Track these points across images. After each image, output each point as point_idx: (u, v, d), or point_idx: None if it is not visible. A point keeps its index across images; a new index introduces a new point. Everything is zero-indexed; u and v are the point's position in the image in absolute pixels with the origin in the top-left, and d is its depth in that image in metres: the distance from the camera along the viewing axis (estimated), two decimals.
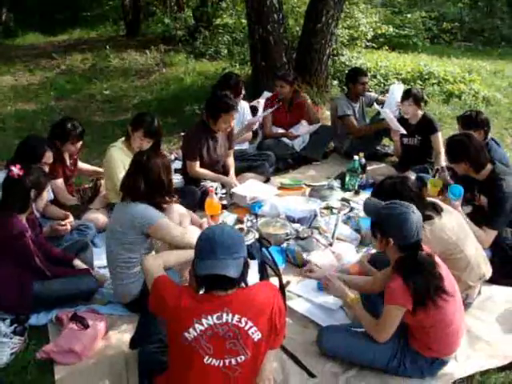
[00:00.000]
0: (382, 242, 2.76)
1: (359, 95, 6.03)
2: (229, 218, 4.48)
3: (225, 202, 4.75)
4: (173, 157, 6.03)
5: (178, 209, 3.83)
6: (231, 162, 5.20)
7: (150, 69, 10.41)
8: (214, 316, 2.22)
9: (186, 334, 2.23)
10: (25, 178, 3.34)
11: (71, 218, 4.04)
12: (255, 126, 5.74)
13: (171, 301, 2.27)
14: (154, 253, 3.41)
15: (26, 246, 3.28)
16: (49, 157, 4.00)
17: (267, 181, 5.39)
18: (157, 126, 4.38)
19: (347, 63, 8.60)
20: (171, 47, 11.48)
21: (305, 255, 3.90)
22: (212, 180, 4.93)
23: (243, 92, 5.71)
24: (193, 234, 3.57)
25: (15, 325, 3.17)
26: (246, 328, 2.24)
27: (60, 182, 4.43)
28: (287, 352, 3.04)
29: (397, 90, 5.74)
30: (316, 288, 3.65)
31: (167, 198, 3.33)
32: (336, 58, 8.58)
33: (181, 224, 3.74)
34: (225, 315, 2.23)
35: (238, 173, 5.21)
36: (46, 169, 3.96)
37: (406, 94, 5.26)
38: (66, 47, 12.09)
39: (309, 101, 6.22)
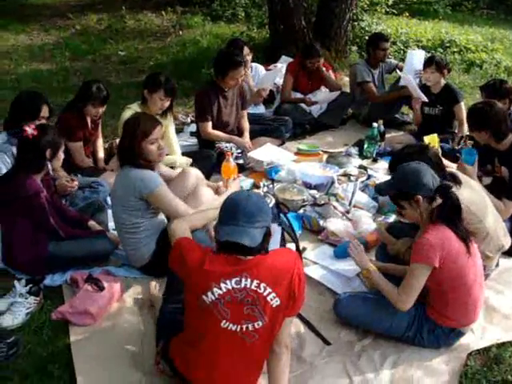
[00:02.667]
0: (412, 205, 2.71)
1: (379, 61, 5.88)
2: (245, 182, 4.41)
3: (241, 162, 4.69)
4: (189, 119, 6.01)
5: (193, 172, 3.76)
6: (245, 123, 5.12)
7: (166, 31, 10.23)
8: (233, 280, 2.18)
9: (204, 297, 2.19)
10: (40, 137, 3.28)
11: (76, 182, 3.96)
12: (266, 93, 5.60)
13: (191, 263, 2.22)
14: (163, 217, 3.36)
15: (41, 206, 3.26)
16: (45, 111, 3.87)
17: (282, 144, 5.32)
18: (174, 84, 4.32)
19: (367, 29, 8.40)
20: (188, 9, 11.26)
21: (321, 222, 3.85)
22: (225, 141, 4.87)
23: (249, 56, 5.56)
24: (206, 197, 3.58)
25: (30, 285, 3.15)
26: (265, 294, 2.20)
27: (79, 145, 4.35)
28: (303, 319, 3.01)
29: (416, 56, 5.57)
30: (332, 255, 3.60)
31: (146, 164, 3.18)
32: (356, 23, 8.38)
33: (196, 187, 3.68)
34: (243, 280, 2.18)
35: (253, 136, 5.13)
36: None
37: (429, 61, 5.10)
38: (82, 7, 11.88)
39: (330, 71, 6.06)
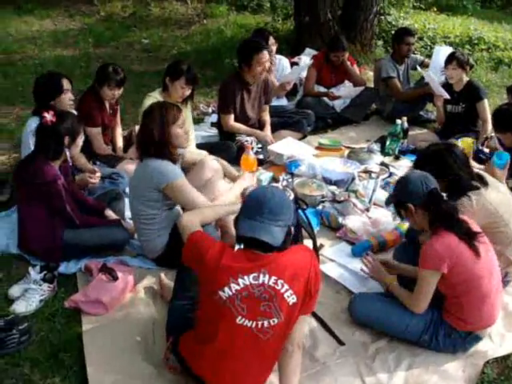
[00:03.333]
0: (408, 214, 2.75)
1: (404, 56, 5.77)
2: (264, 175, 4.37)
3: (261, 157, 4.66)
4: (210, 110, 5.99)
5: (210, 164, 3.72)
6: (267, 117, 5.09)
7: (190, 19, 10.19)
8: (251, 276, 2.15)
9: (221, 293, 2.16)
10: (59, 124, 3.27)
11: (98, 174, 3.97)
12: (289, 86, 5.52)
13: (210, 257, 2.19)
14: (179, 209, 3.33)
15: (57, 192, 3.26)
16: (67, 83, 3.90)
17: (303, 138, 5.27)
18: (195, 72, 4.31)
19: (394, 23, 8.26)
20: None
21: (340, 219, 3.79)
22: (246, 134, 4.85)
23: (274, 47, 5.49)
24: (220, 191, 3.57)
25: (45, 272, 3.15)
26: (282, 291, 2.16)
27: (97, 130, 4.34)
28: (317, 317, 2.96)
29: (442, 52, 5.46)
30: (350, 253, 3.55)
31: (172, 152, 3.17)
32: (382, 17, 8.23)
33: (211, 179, 3.65)
34: (261, 276, 2.15)
35: (274, 129, 5.10)
36: (71, 99, 3.92)
37: (450, 58, 4.98)
38: None
39: (354, 65, 5.98)
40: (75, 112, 4.08)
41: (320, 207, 3.95)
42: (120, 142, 4.66)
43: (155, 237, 3.26)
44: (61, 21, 9.78)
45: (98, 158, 4.37)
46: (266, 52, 4.64)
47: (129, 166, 4.29)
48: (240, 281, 2.14)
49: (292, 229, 2.23)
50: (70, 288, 3.21)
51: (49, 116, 3.25)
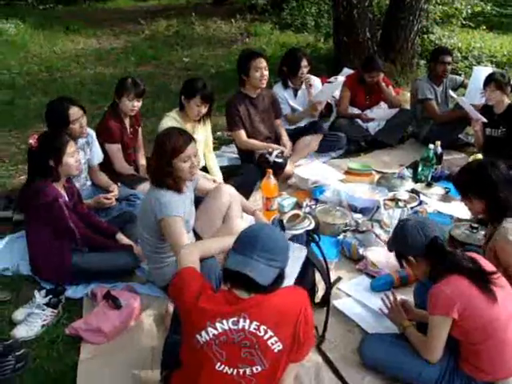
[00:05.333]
0: (409, 265, 2.60)
1: (441, 77, 5.51)
2: (287, 201, 4.21)
3: (281, 160, 4.51)
4: None
5: (228, 190, 3.57)
6: (282, 129, 5.00)
7: (233, 38, 10.21)
8: (230, 320, 1.99)
9: (198, 337, 2.01)
10: (40, 148, 3.24)
11: (116, 192, 3.92)
12: (321, 106, 5.36)
13: (188, 297, 2.06)
14: (191, 237, 3.22)
15: (59, 210, 3.19)
16: (75, 113, 3.72)
17: (323, 139, 5.22)
18: (210, 90, 4.23)
19: (437, 42, 7.97)
20: (258, 17, 11.19)
21: (361, 250, 3.59)
22: (262, 149, 4.67)
23: (306, 69, 5.32)
24: (238, 227, 3.38)
25: (50, 296, 3.08)
26: (266, 337, 2.00)
27: (116, 147, 4.27)
28: (325, 357, 2.77)
29: (483, 73, 5.17)
30: (369, 287, 3.33)
31: (176, 183, 3.02)
32: (425, 35, 7.98)
33: (230, 207, 3.52)
34: (241, 321, 1.99)
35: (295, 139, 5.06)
36: (82, 127, 3.77)
37: (488, 79, 4.72)
38: (154, 13, 12.06)
39: (390, 87, 5.77)
40: (92, 132, 4.07)
41: (341, 236, 3.75)
42: (143, 162, 4.58)
43: (163, 265, 3.16)
44: (105, 39, 9.96)
45: (120, 179, 4.29)
46: (261, 58, 4.58)
47: (147, 188, 4.20)
48: (218, 325, 1.99)
49: (285, 273, 2.06)
50: (75, 313, 3.14)
51: (32, 141, 3.25)
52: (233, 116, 4.66)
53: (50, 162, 3.23)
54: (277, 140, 4.91)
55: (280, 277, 2.05)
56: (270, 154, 4.47)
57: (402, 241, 2.56)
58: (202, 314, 2.01)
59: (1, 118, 6.12)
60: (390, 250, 2.72)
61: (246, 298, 2.01)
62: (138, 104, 4.28)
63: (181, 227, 2.93)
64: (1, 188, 4.60)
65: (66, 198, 3.31)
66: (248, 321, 1.98)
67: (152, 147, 4.91)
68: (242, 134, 4.66)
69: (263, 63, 4.58)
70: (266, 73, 4.64)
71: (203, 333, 2.00)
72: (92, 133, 4.06)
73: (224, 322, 1.99)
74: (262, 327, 1.99)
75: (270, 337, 2.00)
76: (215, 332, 1.99)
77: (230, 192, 3.58)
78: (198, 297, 2.03)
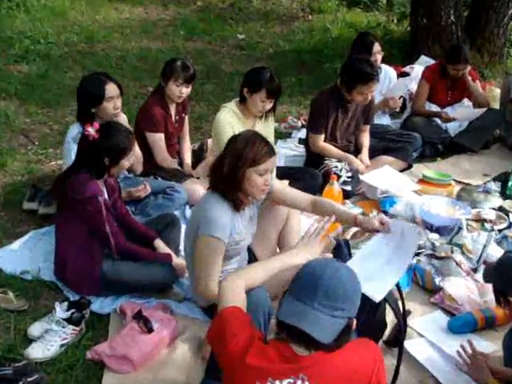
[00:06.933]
0: (509, 307, 2.41)
1: None
2: (351, 211, 3.94)
3: (348, 188, 4.28)
4: (300, 123, 5.68)
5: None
6: (365, 139, 4.73)
7: (293, 14, 9.91)
8: (285, 382, 1.75)
9: None
10: (100, 142, 3.10)
11: (148, 188, 3.86)
12: (395, 104, 5.11)
13: (233, 351, 1.83)
14: (243, 258, 3.03)
15: (96, 211, 3.10)
16: (111, 90, 3.66)
17: (408, 168, 4.82)
18: (278, 82, 4.02)
19: None
20: None
21: (438, 280, 3.33)
22: (337, 159, 4.50)
23: (379, 55, 5.07)
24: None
25: (73, 310, 2.93)
26: None
27: (158, 137, 4.17)
28: None
29: None
30: (446, 327, 3.06)
31: (240, 196, 2.83)
32: None
33: (287, 220, 3.32)
34: (299, 383, 1.75)
35: (372, 154, 4.72)
36: (116, 108, 3.69)
37: None
38: None
39: (477, 81, 5.42)
40: (125, 117, 3.96)
41: (414, 261, 3.47)
42: (188, 157, 4.49)
43: None
44: (153, 9, 9.77)
45: (160, 173, 4.21)
46: (372, 83, 4.25)
47: (194, 187, 4.11)
48: None
49: (354, 322, 1.81)
50: (100, 332, 3.00)
51: (92, 130, 3.09)
52: (319, 116, 4.47)
53: (105, 159, 3.13)
54: (356, 149, 4.70)
55: (347, 329, 1.80)
56: (339, 172, 4.29)
57: (505, 277, 2.37)
58: (251, 373, 1.78)
59: (32, 93, 6.04)
60: (487, 282, 2.53)
61: (304, 356, 1.77)
62: (186, 90, 4.17)
63: (215, 252, 2.77)
64: (28, 175, 4.51)
65: (106, 196, 3.21)
66: (308, 383, 1.75)
67: (198, 136, 4.86)
68: (321, 138, 4.49)
69: (372, 88, 4.31)
70: (373, 94, 4.43)
71: None
72: (124, 118, 3.96)
73: (277, 382, 1.76)
74: None
75: None
76: None
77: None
78: (246, 352, 1.81)
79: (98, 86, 3.63)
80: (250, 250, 3.21)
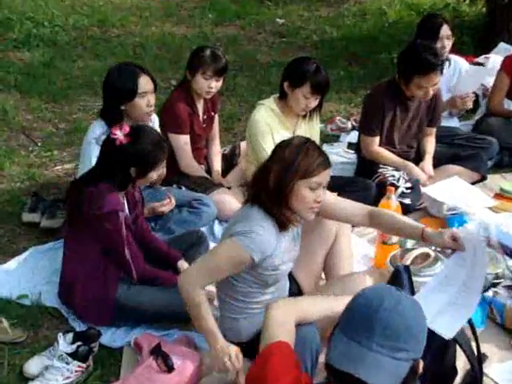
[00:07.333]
0: None
1: None
2: None
3: (407, 202, 4.25)
4: (350, 124, 5.71)
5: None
6: (430, 145, 4.73)
7: None
8: None
9: None
10: (128, 149, 3.12)
11: (173, 201, 3.89)
12: (467, 103, 5.07)
13: None
14: (283, 286, 3.01)
15: (115, 230, 3.14)
16: (145, 84, 3.70)
17: (481, 181, 4.78)
18: (325, 75, 4.05)
19: None
20: None
21: None
22: (394, 166, 4.49)
23: (448, 41, 5.06)
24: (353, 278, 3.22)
25: (78, 343, 2.95)
26: None
27: (183, 139, 4.22)
28: None
29: None
30: None
31: (287, 213, 2.81)
32: None
33: (336, 239, 3.30)
34: None
35: (437, 163, 4.71)
36: (149, 106, 3.72)
37: None
38: None
39: None
40: (157, 119, 4.05)
41: (490, 293, 3.43)
42: (217, 162, 4.55)
43: (241, 317, 2.98)
44: None
45: (184, 181, 4.26)
46: (433, 75, 4.23)
47: (224, 198, 4.16)
48: None
49: (421, 365, 1.76)
50: (110, 370, 3.02)
51: (120, 134, 3.11)
52: (374, 115, 4.47)
53: (131, 169, 3.17)
54: (417, 155, 4.70)
55: (413, 374, 1.74)
56: (397, 182, 4.29)
57: None
58: None
59: (35, 85, 6.17)
60: None
61: None
62: (216, 84, 4.22)
63: (230, 262, 2.75)
64: (28, 181, 4.59)
65: (127, 211, 3.28)
66: None
67: (229, 138, 4.87)
68: (375, 141, 4.50)
69: (434, 80, 4.27)
70: (436, 87, 4.39)
71: None
72: (155, 119, 4.04)
73: None
74: None
75: None
76: None
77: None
78: None
79: (129, 78, 3.67)
80: (290, 275, 3.20)
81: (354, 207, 3.17)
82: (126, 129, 3.15)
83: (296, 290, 3.19)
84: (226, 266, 2.76)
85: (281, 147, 2.83)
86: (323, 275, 3.38)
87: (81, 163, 3.93)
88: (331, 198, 3.19)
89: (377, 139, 4.49)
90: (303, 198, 2.76)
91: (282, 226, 2.82)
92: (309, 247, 3.24)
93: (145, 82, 3.69)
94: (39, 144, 5.15)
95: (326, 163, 2.79)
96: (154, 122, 4.01)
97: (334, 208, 3.12)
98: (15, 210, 4.14)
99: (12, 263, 3.69)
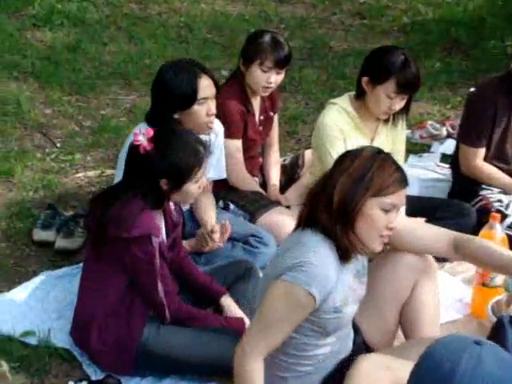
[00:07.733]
0: None
1: None
2: None
3: None
4: (444, 131, 5.66)
5: (408, 260, 3.24)
6: None
7: None
8: None
9: None
10: (154, 156, 3.13)
11: (227, 235, 3.87)
12: None
13: None
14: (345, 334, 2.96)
15: (147, 259, 3.16)
16: (205, 87, 3.70)
17: None
18: (416, 70, 4.04)
19: None
20: None
21: None
22: (502, 188, 4.47)
23: None
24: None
25: None
26: None
27: (236, 144, 4.28)
28: None
29: None
30: None
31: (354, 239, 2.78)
32: None
33: (417, 287, 3.22)
34: None
35: None
36: (209, 115, 3.73)
37: None
38: None
39: None
40: (221, 126, 4.05)
41: None
42: (275, 175, 4.57)
43: (290, 376, 2.94)
44: None
45: (233, 197, 4.29)
46: None
47: (282, 220, 4.15)
48: None
49: None
50: None
51: (142, 138, 3.13)
52: (480, 120, 4.47)
53: (162, 182, 3.18)
54: None
55: None
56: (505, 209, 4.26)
57: None
58: None
59: (56, 73, 6.26)
60: None
61: None
62: (276, 78, 4.26)
63: (293, 310, 2.71)
64: (43, 190, 4.64)
65: (164, 235, 3.29)
66: None
67: (291, 145, 4.86)
68: (480, 154, 4.46)
69: None
70: None
71: None
72: (219, 128, 4.02)
73: None
74: None
75: None
76: None
77: (413, 263, 3.26)
78: None
79: (187, 81, 3.69)
80: (353, 323, 3.16)
81: (432, 233, 3.17)
82: (150, 132, 3.18)
83: (362, 344, 3.15)
84: (287, 317, 2.72)
85: (348, 157, 2.82)
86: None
87: (116, 173, 3.94)
88: (408, 223, 3.17)
89: (482, 151, 4.45)
90: (373, 221, 2.74)
91: (345, 252, 2.79)
92: (374, 294, 3.17)
93: (206, 86, 3.71)
94: (58, 145, 5.22)
95: (404, 181, 2.79)
96: (218, 134, 4.01)
97: (408, 236, 3.13)
98: (25, 226, 4.20)
99: (18, 291, 3.72)
